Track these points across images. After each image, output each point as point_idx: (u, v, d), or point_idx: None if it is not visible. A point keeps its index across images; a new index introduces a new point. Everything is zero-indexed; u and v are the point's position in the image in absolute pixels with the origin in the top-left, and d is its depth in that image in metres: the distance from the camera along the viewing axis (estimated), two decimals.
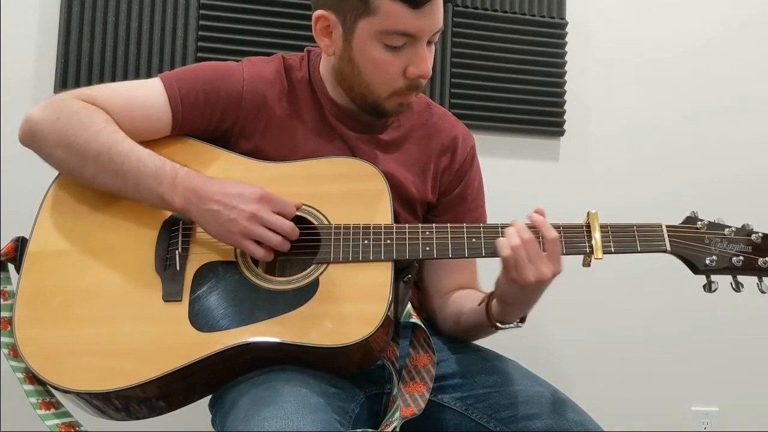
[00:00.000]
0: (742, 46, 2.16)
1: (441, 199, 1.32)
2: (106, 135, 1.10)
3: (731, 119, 2.14)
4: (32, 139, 1.13)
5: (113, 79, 1.74)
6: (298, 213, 1.12)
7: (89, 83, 1.72)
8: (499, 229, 1.10)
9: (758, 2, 2.18)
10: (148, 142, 1.18)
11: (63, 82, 1.72)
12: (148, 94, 1.18)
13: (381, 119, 1.26)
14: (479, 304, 1.17)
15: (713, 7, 2.15)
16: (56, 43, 1.73)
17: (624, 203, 1.98)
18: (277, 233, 1.06)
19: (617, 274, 1.98)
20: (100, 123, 1.11)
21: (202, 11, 1.80)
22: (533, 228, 1.07)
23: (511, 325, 1.14)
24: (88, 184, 1.13)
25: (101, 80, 1.74)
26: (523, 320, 1.14)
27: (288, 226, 1.06)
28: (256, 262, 1.11)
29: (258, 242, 1.06)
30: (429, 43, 1.16)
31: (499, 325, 1.14)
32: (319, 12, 1.17)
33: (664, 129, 2.10)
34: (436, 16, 1.13)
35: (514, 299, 1.09)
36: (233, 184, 1.08)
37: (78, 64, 1.73)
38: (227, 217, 1.05)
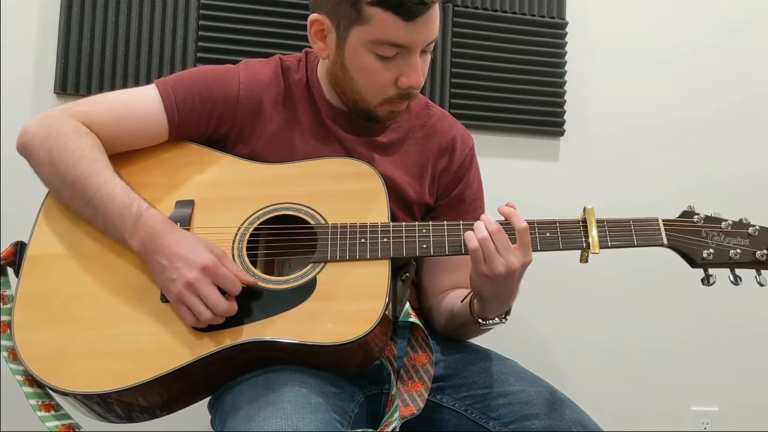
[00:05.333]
0: (742, 45, 2.16)
1: (439, 201, 1.32)
2: (85, 164, 1.09)
3: (731, 119, 2.14)
4: (25, 151, 1.15)
5: (113, 80, 1.75)
6: (296, 213, 1.13)
7: (89, 84, 1.73)
8: None
9: (759, 3, 2.18)
10: (148, 149, 1.19)
11: (63, 83, 1.72)
12: (143, 102, 1.18)
13: (375, 123, 1.26)
14: (462, 301, 1.18)
15: (714, 7, 2.15)
16: (56, 43, 1.73)
17: (624, 203, 1.96)
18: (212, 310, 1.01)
19: (617, 274, 1.98)
20: (83, 149, 1.10)
21: (202, 11, 1.80)
22: (505, 223, 1.08)
23: (495, 321, 1.14)
24: (67, 206, 1.13)
25: (101, 80, 1.74)
26: (506, 316, 1.14)
27: (222, 306, 1.01)
28: (254, 262, 1.11)
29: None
30: (424, 52, 1.16)
31: (481, 321, 1.14)
32: (314, 15, 1.17)
33: (664, 129, 2.10)
34: (429, 28, 1.13)
35: (489, 293, 1.10)
36: (189, 243, 1.05)
37: (78, 64, 1.73)
38: (169, 276, 1.03)
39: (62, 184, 1.11)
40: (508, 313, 1.15)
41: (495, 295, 1.10)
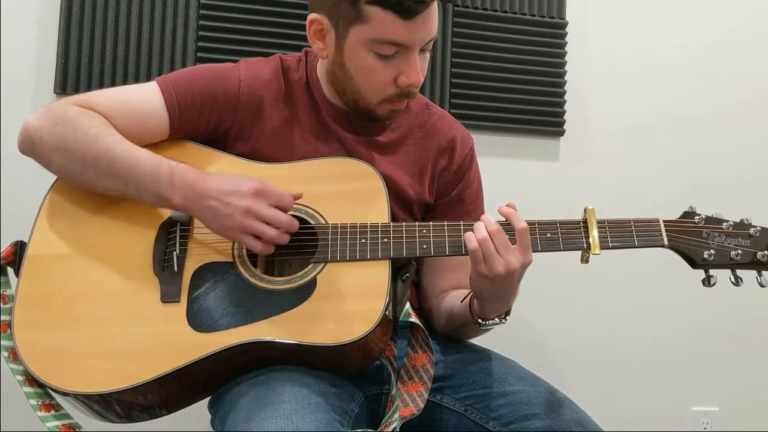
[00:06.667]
0: (742, 45, 2.16)
1: (439, 201, 1.32)
2: (104, 138, 1.10)
3: (731, 119, 2.14)
4: (32, 146, 1.14)
5: (113, 80, 1.74)
6: (295, 213, 1.12)
7: (89, 83, 1.73)
8: None
9: (759, 3, 2.18)
10: (146, 146, 1.18)
11: (63, 83, 1.72)
12: (144, 99, 1.18)
13: (375, 123, 1.26)
14: (462, 301, 1.18)
15: (714, 7, 2.15)
16: (56, 43, 1.73)
17: (624, 203, 1.97)
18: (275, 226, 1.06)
19: (617, 274, 1.98)
20: (97, 126, 1.11)
21: (202, 11, 1.80)
22: (506, 223, 1.08)
23: (494, 321, 1.14)
24: (90, 188, 1.13)
25: (101, 80, 1.74)
26: (506, 316, 1.14)
27: (284, 219, 1.06)
28: (254, 262, 1.11)
29: (258, 236, 1.06)
30: (423, 50, 1.16)
31: (481, 321, 1.14)
32: (313, 15, 1.17)
33: (664, 129, 2.10)
34: (428, 27, 1.13)
35: (489, 293, 1.10)
36: (230, 179, 1.08)
37: (78, 64, 1.73)
38: (224, 213, 1.05)
39: (82, 165, 1.11)
40: (508, 313, 1.15)
41: (495, 295, 1.10)
